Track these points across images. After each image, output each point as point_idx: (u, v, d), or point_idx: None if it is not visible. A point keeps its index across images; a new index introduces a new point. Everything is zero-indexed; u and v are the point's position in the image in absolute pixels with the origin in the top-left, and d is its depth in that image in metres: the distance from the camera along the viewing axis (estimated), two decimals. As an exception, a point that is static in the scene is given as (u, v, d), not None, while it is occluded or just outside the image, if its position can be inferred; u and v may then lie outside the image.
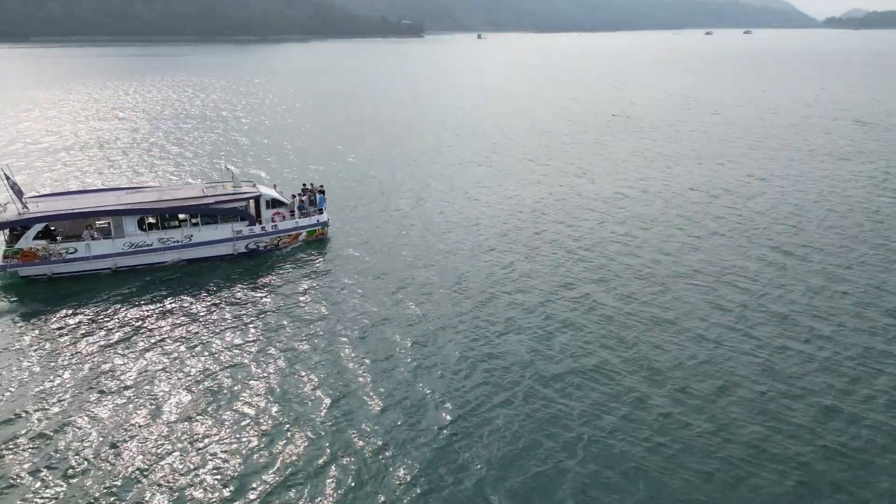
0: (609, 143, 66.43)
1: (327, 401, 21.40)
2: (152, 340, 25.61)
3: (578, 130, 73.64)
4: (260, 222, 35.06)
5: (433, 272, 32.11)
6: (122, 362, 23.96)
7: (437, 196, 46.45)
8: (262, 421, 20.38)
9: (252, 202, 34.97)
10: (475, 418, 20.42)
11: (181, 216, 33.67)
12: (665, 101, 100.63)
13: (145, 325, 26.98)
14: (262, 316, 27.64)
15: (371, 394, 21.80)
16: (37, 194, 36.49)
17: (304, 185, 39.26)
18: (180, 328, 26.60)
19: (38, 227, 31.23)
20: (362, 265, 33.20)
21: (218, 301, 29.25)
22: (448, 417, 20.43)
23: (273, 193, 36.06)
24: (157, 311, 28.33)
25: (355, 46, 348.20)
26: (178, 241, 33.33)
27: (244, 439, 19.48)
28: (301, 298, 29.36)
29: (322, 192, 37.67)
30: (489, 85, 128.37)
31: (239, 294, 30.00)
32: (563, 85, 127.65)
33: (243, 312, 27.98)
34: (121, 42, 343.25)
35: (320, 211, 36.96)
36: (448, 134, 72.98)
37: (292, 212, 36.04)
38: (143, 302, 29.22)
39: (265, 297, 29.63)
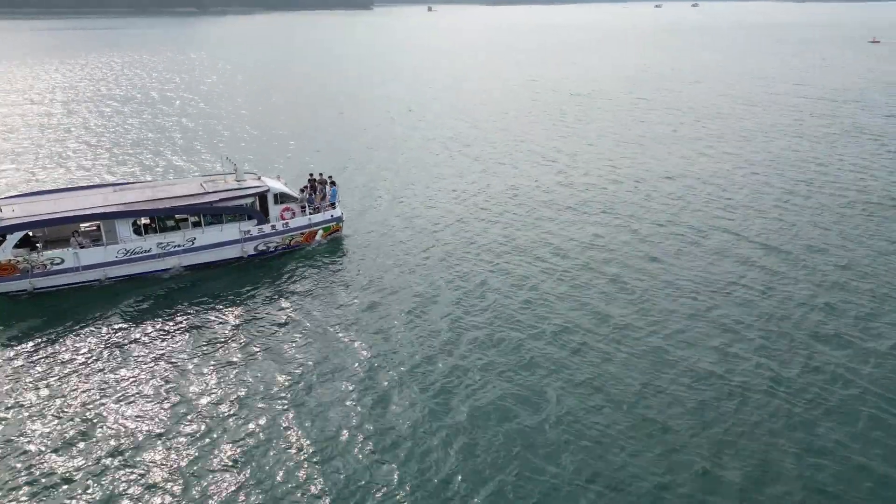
0: (573, 124, 62.75)
1: (361, 443, 18.24)
2: (155, 368, 21.87)
3: (540, 111, 69.91)
4: (268, 220, 31.18)
5: (457, 273, 29.05)
6: (118, 397, 20.23)
7: (429, 184, 43.20)
8: (289, 467, 17.13)
9: (258, 198, 31.02)
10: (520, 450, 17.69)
11: (182, 217, 29.56)
12: (623, 77, 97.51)
13: (146, 348, 23.12)
14: (282, 335, 24.02)
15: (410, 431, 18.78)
16: (8, 195, 31.57)
17: (311, 175, 35.33)
18: (187, 352, 22.83)
19: (18, 235, 26.69)
20: (384, 266, 29.85)
21: (229, 316, 25.47)
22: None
23: (281, 187, 32.14)
24: (158, 330, 24.43)
25: (303, 19, 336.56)
26: (179, 246, 29.25)
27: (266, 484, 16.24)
28: (322, 311, 25.77)
29: (333, 183, 33.89)
30: (444, 65, 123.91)
31: (252, 306, 26.27)
32: (520, 62, 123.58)
33: (259, 331, 24.25)
34: (48, 14, 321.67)
35: (332, 205, 33.24)
36: (405, 117, 69.28)
37: (303, 207, 32.27)
38: (142, 319, 25.23)
39: (283, 309, 25.98)
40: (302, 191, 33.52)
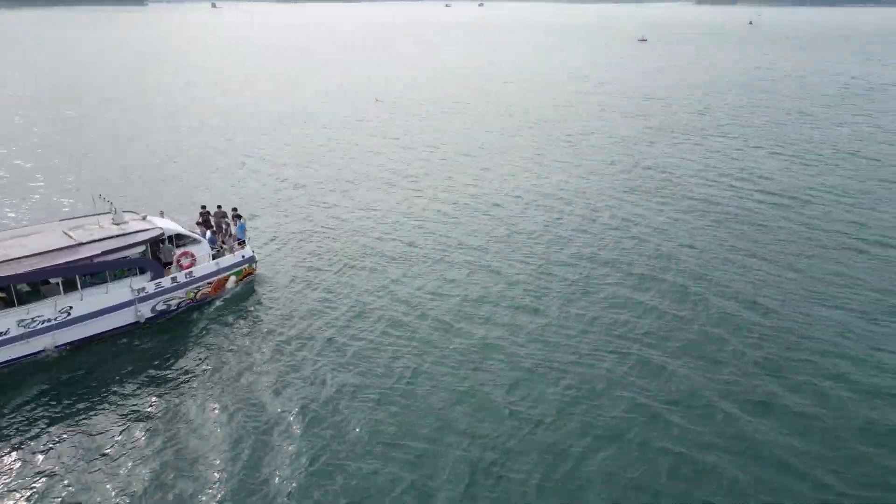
0: (388, 133, 57.71)
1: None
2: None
3: (352, 119, 64.21)
4: (168, 271, 24.49)
5: (396, 301, 25.16)
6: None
7: (326, 199, 38.27)
8: None
9: (149, 245, 24.18)
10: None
11: (51, 281, 21.99)
12: (427, 80, 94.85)
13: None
14: (199, 426, 18.61)
15: None
16: None
17: (204, 207, 28.71)
18: (63, 475, 16.63)
19: None
20: (314, 311, 24.87)
21: (127, 409, 19.20)
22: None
23: (175, 226, 25.44)
24: (23, 443, 17.67)
25: (62, 17, 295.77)
26: (50, 320, 21.70)
27: None
28: (247, 385, 20.51)
29: (239, 216, 27.73)
30: (233, 73, 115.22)
31: (153, 392, 20.06)
32: (320, 64, 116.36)
33: (167, 427, 18.50)
34: None
35: (241, 243, 27.14)
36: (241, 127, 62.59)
37: (217, 249, 26.06)
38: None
39: (197, 388, 20.20)
40: (198, 226, 27.08)
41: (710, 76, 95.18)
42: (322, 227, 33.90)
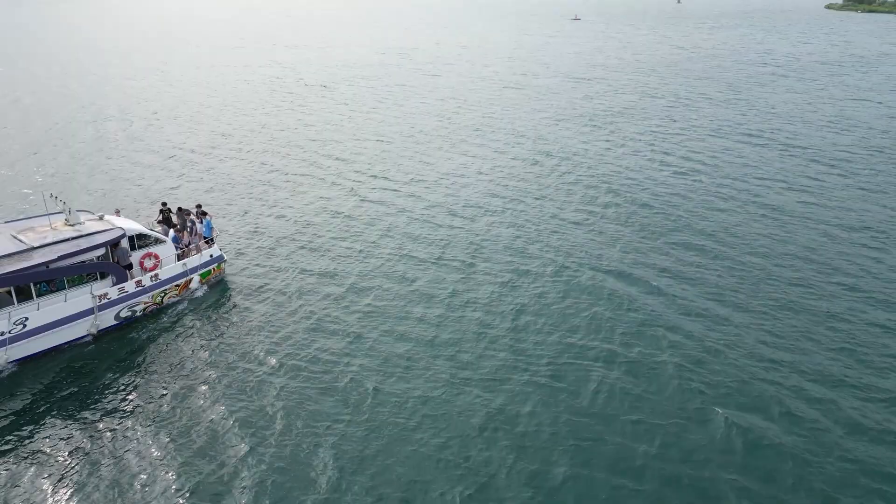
0: (334, 118, 55.33)
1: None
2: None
3: (296, 106, 61.05)
4: (132, 275, 22.69)
5: (370, 300, 24.31)
6: None
7: (288, 194, 36.70)
8: None
9: (109, 247, 22.29)
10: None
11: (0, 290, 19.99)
12: (345, 62, 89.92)
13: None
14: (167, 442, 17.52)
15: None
16: None
17: (164, 205, 26.74)
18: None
19: None
20: (289, 310, 23.71)
21: (87, 431, 17.83)
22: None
23: (137, 226, 23.57)
24: None
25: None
26: (3, 333, 19.74)
27: None
28: (215, 396, 19.43)
29: (204, 213, 25.95)
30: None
31: (113, 410, 18.65)
32: (240, 50, 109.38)
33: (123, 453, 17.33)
34: None
35: (209, 241, 25.45)
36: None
37: (182, 249, 24.38)
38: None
39: (163, 406, 18.91)
40: (159, 225, 25.26)
41: (637, 56, 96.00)
42: (271, 219, 32.40)
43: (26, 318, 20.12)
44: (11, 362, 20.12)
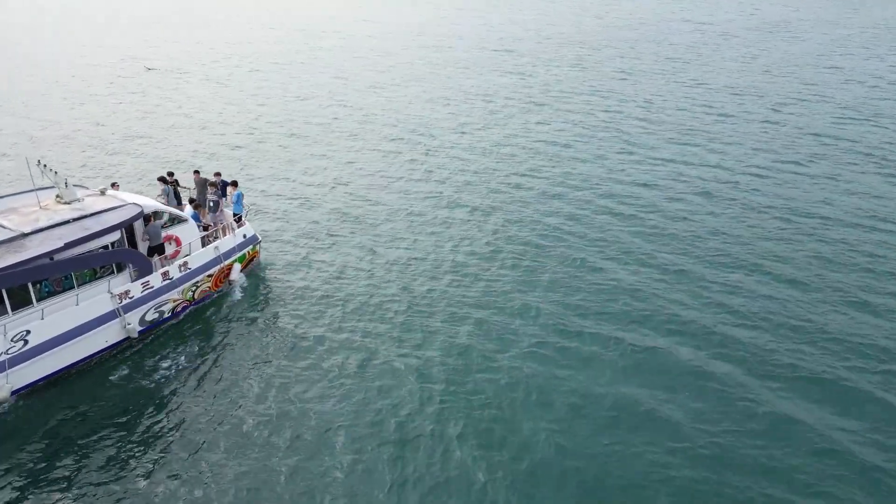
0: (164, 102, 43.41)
1: None
2: None
3: (127, 92, 46.60)
4: (155, 266, 17.30)
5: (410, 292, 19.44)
6: None
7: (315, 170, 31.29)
8: None
9: (125, 231, 16.85)
10: None
11: (-7, 295, 14.43)
12: (197, 43, 69.99)
13: None
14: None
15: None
16: None
17: (171, 175, 20.97)
18: None
19: None
20: (332, 302, 18.87)
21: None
22: None
23: (150, 201, 18.07)
24: None
25: None
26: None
27: None
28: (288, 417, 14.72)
29: (234, 184, 20.45)
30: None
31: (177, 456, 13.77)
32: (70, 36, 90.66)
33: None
34: None
35: (238, 218, 20.12)
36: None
37: (205, 228, 19.12)
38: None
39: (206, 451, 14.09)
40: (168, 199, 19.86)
41: (557, 29, 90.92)
42: (295, 194, 27.10)
43: (27, 332, 14.62)
44: (15, 392, 14.59)
